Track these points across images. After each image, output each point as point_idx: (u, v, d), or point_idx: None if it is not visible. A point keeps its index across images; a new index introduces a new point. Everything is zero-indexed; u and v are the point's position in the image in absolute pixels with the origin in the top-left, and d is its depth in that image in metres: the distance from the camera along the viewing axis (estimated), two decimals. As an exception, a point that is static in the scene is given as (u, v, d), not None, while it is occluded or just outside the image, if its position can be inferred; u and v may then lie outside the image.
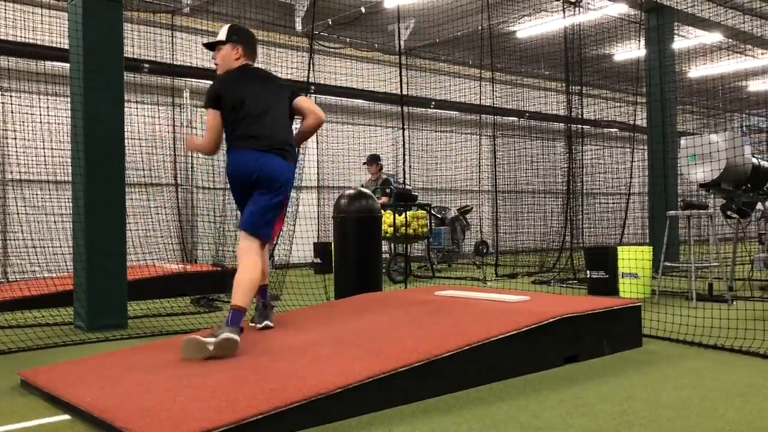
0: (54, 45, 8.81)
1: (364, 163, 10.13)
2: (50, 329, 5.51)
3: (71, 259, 5.80)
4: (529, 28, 12.68)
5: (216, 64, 4.29)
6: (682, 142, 7.09)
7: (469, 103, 13.62)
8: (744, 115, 18.08)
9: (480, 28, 11.54)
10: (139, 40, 9.99)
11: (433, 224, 11.19)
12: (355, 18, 11.49)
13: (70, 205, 5.77)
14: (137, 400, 2.91)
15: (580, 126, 10.43)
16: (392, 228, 9.04)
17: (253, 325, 4.27)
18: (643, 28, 10.00)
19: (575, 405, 3.20)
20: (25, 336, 5.06)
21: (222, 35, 4.25)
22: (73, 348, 4.82)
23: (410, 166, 13.12)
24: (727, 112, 18.12)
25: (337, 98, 12.98)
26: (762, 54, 13.92)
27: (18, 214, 8.54)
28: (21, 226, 8.30)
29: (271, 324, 4.27)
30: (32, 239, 7.69)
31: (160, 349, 3.95)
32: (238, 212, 4.27)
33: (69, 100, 5.72)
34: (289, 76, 11.09)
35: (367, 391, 3.06)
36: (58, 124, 8.54)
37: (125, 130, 5.78)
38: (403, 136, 7.79)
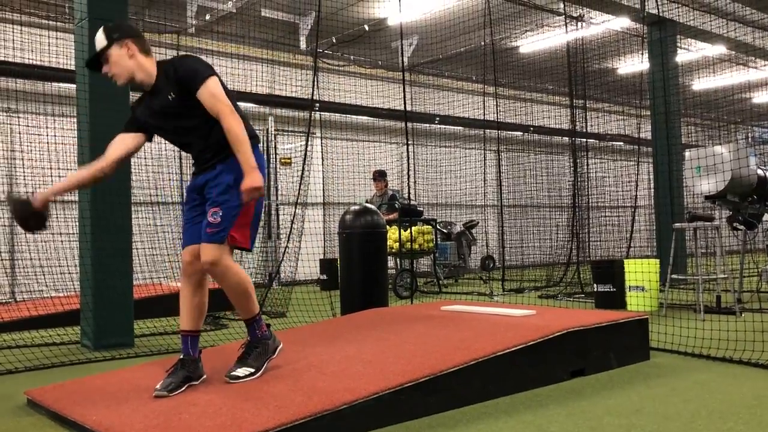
0: (61, 66, 8.91)
1: (375, 179, 10.08)
2: (57, 348, 5.53)
3: (78, 278, 5.82)
4: (532, 43, 12.74)
5: (113, 75, 3.41)
6: (687, 154, 7.08)
7: (473, 118, 13.67)
8: (749, 127, 18.07)
9: (483, 43, 11.60)
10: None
11: (438, 239, 11.20)
12: (358, 36, 11.58)
13: (77, 224, 5.81)
14: (143, 419, 2.91)
15: (585, 139, 10.44)
16: (398, 243, 9.04)
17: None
18: (645, 41, 10.05)
19: (582, 419, 3.18)
20: (32, 355, 5.08)
21: (102, 40, 3.36)
22: (80, 367, 4.82)
23: (415, 182, 13.17)
24: (732, 124, 18.11)
25: (342, 115, 13.05)
26: (765, 65, 13.93)
27: (25, 234, 8.58)
28: (28, 246, 8.35)
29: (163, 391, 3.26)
30: (39, 259, 7.72)
31: (166, 368, 3.94)
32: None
33: (76, 120, 5.78)
34: (293, 94, 11.21)
35: (374, 407, 3.05)
36: (65, 144, 8.61)
37: (131, 149, 5.82)
38: (408, 152, 7.81)
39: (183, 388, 3.29)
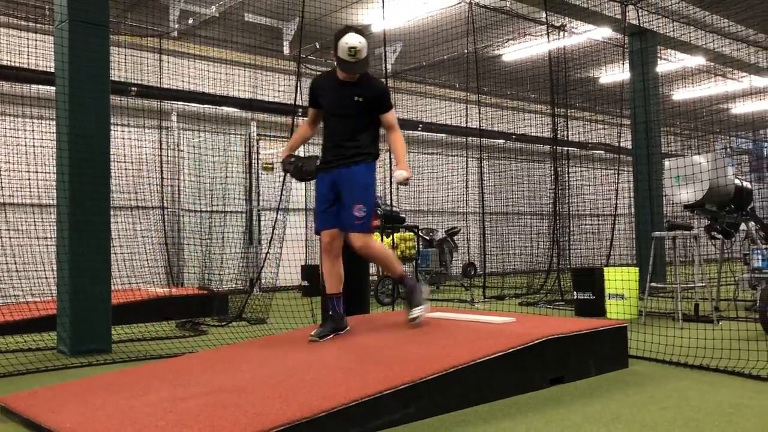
0: (40, 68, 8.81)
1: None
2: (33, 354, 5.45)
3: (55, 283, 5.74)
4: (514, 52, 12.82)
5: (356, 74, 4.34)
6: (666, 163, 7.15)
7: (456, 126, 13.71)
8: (727, 137, 18.31)
9: (466, 51, 11.65)
10: (127, 64, 10.02)
11: (420, 246, 11.20)
12: (342, 42, 11.56)
13: (55, 228, 5.73)
14: (118, 426, 2.87)
15: (566, 148, 10.51)
16: (379, 250, 9.02)
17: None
18: (626, 51, 10.15)
19: (561, 427, 3.19)
20: (7, 361, 4.99)
21: (366, 48, 4.29)
22: (56, 373, 4.76)
23: (397, 188, 13.16)
24: (710, 134, 18.35)
25: (325, 121, 13.00)
26: (742, 77, 14.14)
27: (2, 237, 8.46)
28: (4, 250, 8.22)
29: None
30: (16, 263, 7.61)
31: (143, 374, 3.91)
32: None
33: (54, 123, 5.71)
34: (276, 99, 11.18)
35: (352, 414, 3.04)
36: (43, 147, 8.51)
37: (111, 152, 5.76)
38: (390, 159, 7.80)
39: (331, 336, 4.28)
